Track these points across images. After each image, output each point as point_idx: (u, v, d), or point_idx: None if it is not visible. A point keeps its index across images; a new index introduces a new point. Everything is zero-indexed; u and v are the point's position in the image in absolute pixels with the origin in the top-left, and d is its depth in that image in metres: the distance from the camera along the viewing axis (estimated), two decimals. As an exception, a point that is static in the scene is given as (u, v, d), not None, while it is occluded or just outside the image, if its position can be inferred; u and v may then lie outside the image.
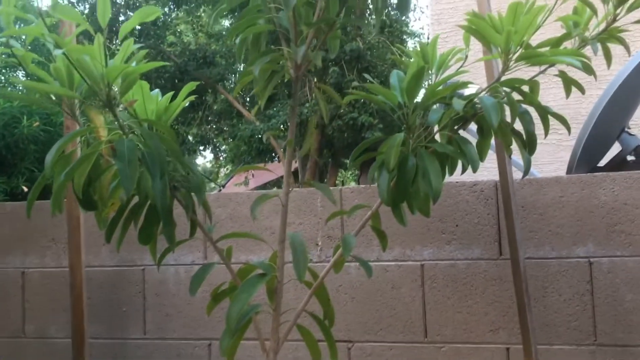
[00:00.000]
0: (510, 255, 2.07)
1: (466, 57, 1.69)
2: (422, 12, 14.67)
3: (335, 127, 9.30)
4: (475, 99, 1.48)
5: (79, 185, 1.41)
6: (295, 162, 10.67)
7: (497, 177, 2.20)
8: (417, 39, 15.18)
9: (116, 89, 1.40)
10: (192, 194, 1.55)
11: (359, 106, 9.10)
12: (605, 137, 2.71)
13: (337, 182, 13.95)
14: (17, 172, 4.31)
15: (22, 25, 1.56)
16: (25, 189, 4.36)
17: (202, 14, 12.80)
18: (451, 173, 1.66)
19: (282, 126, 10.04)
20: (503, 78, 1.49)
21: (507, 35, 1.36)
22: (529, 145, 1.49)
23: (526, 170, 1.51)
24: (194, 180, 1.52)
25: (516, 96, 1.54)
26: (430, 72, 1.66)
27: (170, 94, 1.55)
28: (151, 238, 1.50)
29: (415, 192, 1.52)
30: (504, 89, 1.48)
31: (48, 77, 1.50)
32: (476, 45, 1.73)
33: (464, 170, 1.61)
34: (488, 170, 2.50)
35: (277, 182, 13.28)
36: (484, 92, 1.51)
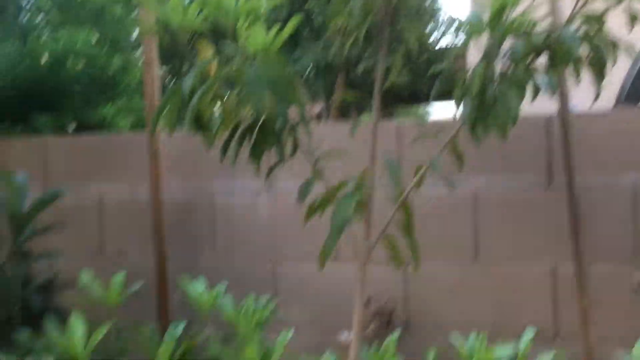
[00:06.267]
0: (567, 182, 2.25)
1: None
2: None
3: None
4: (552, 32, 1.66)
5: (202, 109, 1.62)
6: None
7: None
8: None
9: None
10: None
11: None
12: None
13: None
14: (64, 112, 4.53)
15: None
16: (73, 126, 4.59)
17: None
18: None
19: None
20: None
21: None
22: (599, 74, 1.67)
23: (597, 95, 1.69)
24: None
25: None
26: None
27: (277, 28, 1.72)
28: (262, 155, 1.71)
29: (494, 116, 1.71)
30: (579, 22, 1.65)
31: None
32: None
33: (534, 97, 1.80)
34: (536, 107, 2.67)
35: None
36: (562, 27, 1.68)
